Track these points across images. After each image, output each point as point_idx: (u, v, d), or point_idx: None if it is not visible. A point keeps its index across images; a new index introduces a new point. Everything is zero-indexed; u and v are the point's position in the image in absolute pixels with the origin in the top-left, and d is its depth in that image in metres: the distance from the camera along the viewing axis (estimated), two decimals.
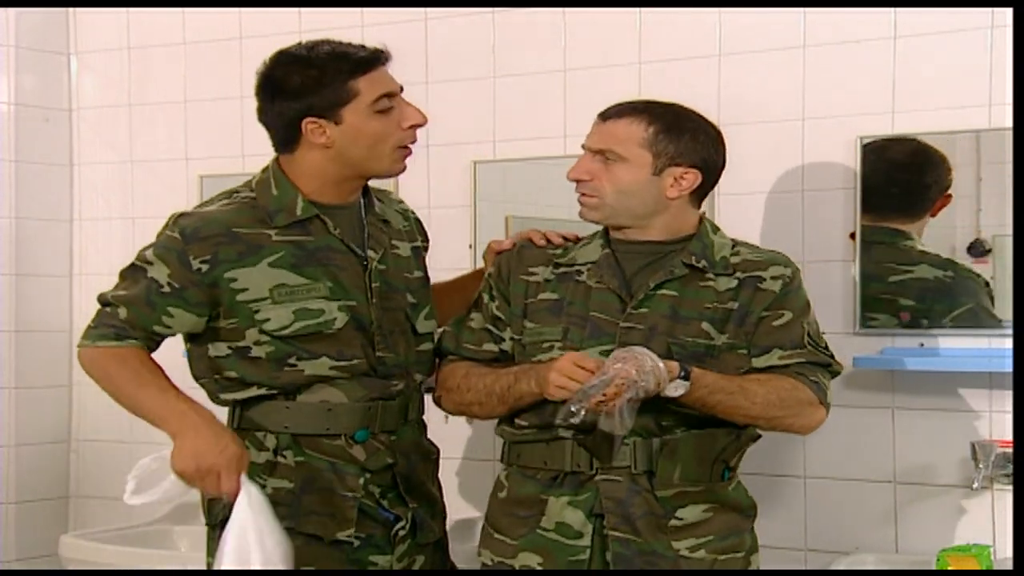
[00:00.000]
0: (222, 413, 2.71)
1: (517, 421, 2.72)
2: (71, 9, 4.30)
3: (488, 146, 3.71)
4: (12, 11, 4.18)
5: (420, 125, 2.73)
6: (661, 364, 2.47)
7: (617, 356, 2.48)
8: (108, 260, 3.38)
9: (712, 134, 2.72)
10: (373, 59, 2.68)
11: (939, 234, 3.23)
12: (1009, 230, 3.08)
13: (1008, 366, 2.95)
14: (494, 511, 2.79)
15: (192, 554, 2.87)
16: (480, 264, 3.02)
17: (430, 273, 2.92)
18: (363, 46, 2.69)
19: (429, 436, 2.90)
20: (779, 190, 3.36)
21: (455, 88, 3.73)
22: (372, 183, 2.82)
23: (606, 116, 2.70)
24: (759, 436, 2.76)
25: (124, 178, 4.26)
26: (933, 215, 3.23)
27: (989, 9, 3.14)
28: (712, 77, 3.42)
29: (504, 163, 3.70)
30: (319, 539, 2.67)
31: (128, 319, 2.65)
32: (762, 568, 2.77)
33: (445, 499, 2.91)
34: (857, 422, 3.25)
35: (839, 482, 3.31)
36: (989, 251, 3.17)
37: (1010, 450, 3.02)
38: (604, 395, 2.43)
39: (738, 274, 2.69)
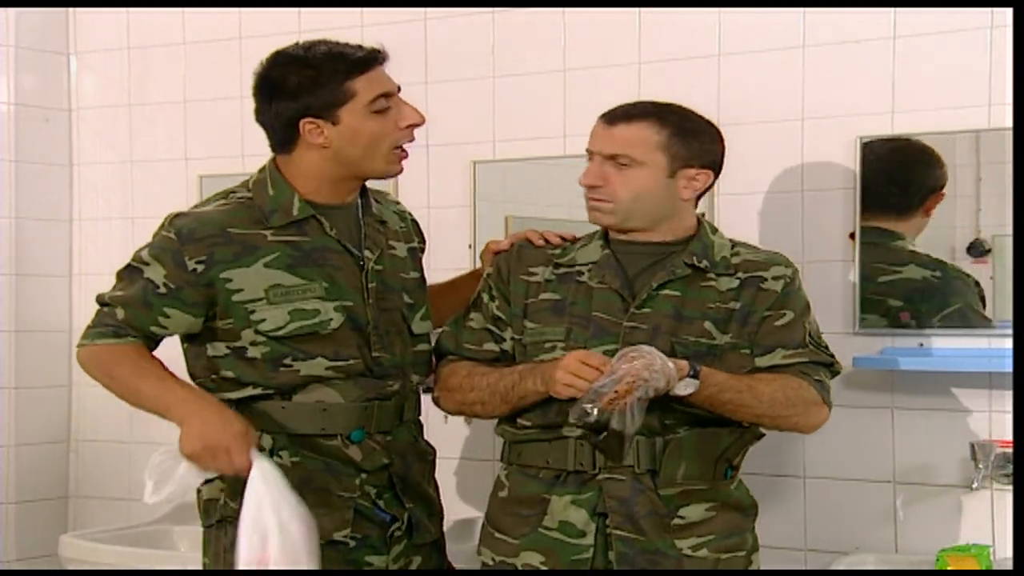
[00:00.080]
0: None
1: (519, 421, 2.73)
2: (71, 9, 4.30)
3: (488, 146, 3.71)
4: (12, 11, 4.18)
5: (417, 125, 2.73)
6: (671, 363, 2.48)
7: (625, 355, 2.47)
8: (108, 260, 3.37)
9: (716, 134, 2.74)
10: (370, 59, 2.67)
11: (939, 234, 3.22)
12: (1009, 230, 3.08)
13: (1007, 366, 2.94)
14: (495, 510, 2.78)
15: (192, 554, 2.87)
16: (479, 264, 3.02)
17: (430, 273, 2.92)
18: (360, 46, 2.69)
19: (428, 436, 2.90)
20: (779, 190, 3.36)
21: (455, 88, 3.73)
22: (370, 184, 2.82)
23: (613, 120, 2.68)
24: (762, 435, 2.76)
25: (124, 178, 4.26)
26: (926, 214, 3.22)
27: (989, 9, 3.14)
28: (712, 77, 3.42)
29: (504, 163, 3.70)
30: None
31: (125, 319, 2.66)
32: (762, 568, 2.77)
33: (444, 499, 2.91)
34: (857, 422, 3.24)
35: (839, 482, 3.31)
36: (989, 251, 3.17)
37: (1010, 450, 3.02)
38: (616, 392, 2.43)
39: (739, 274, 2.70)
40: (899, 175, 3.26)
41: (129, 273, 2.68)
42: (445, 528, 2.92)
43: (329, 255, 2.70)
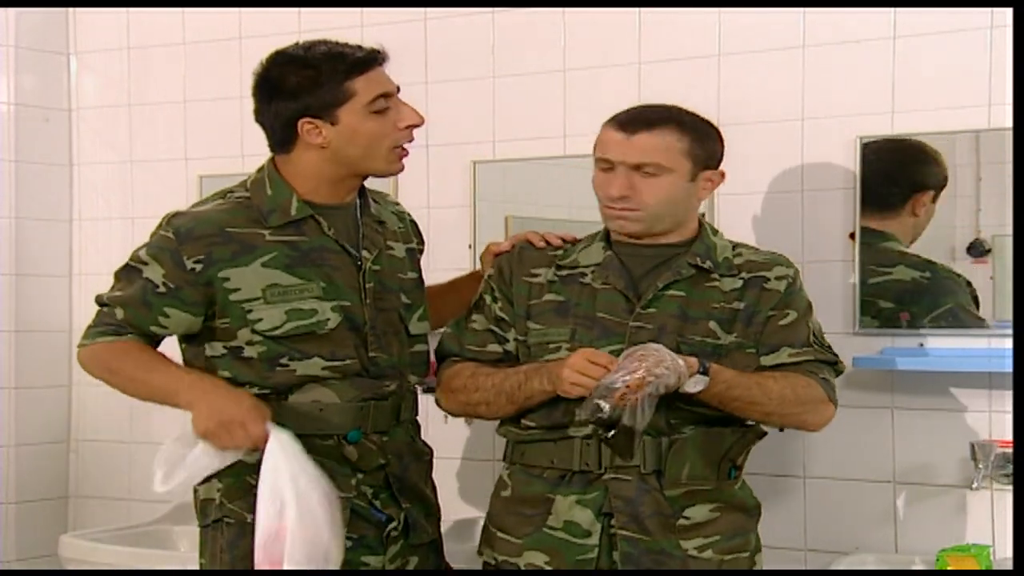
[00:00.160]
0: None
1: (524, 422, 2.73)
2: (71, 9, 4.30)
3: (488, 146, 3.71)
4: (12, 11, 4.17)
5: (416, 125, 2.73)
6: (680, 360, 2.49)
7: (633, 353, 2.48)
8: (108, 260, 3.36)
9: (719, 133, 2.77)
10: (370, 59, 2.67)
11: (939, 234, 3.22)
12: (1009, 230, 3.08)
13: (1007, 366, 2.94)
14: (497, 510, 2.79)
15: (192, 554, 2.86)
16: (479, 265, 3.02)
17: (429, 273, 2.93)
18: (360, 46, 2.69)
19: (428, 436, 2.90)
20: (779, 190, 3.36)
21: (455, 88, 3.73)
22: (369, 184, 2.82)
23: (633, 129, 2.66)
24: (765, 434, 2.77)
25: (124, 178, 4.26)
26: (914, 214, 3.22)
27: (989, 9, 3.14)
28: (712, 77, 3.42)
29: (504, 163, 3.70)
30: None
31: (125, 319, 2.66)
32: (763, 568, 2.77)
33: (444, 500, 2.91)
34: (857, 422, 3.24)
35: (839, 482, 3.31)
36: (989, 251, 3.16)
37: (1010, 450, 3.02)
38: (628, 387, 2.42)
39: (743, 274, 2.72)
40: (893, 174, 3.25)
41: (127, 273, 2.68)
42: (445, 528, 2.92)
43: (327, 255, 2.70)
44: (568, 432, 2.67)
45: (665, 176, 2.66)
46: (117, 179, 4.27)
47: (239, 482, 2.66)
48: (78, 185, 4.32)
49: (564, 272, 2.77)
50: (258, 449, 2.55)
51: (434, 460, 2.90)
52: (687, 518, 2.66)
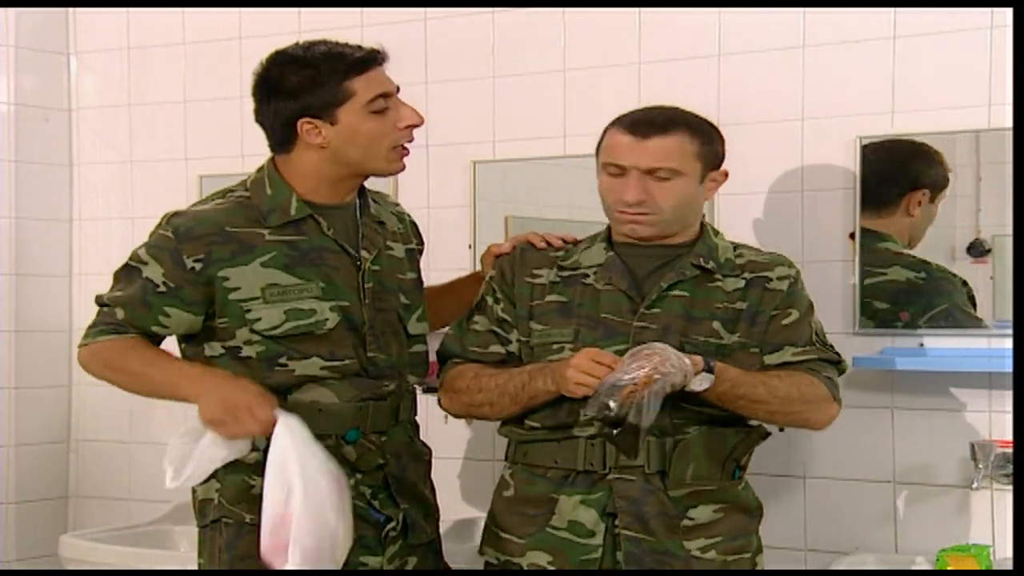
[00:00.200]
0: None
1: (527, 422, 2.73)
2: (71, 9, 4.30)
3: (488, 146, 3.71)
4: (12, 11, 4.17)
5: (416, 125, 2.73)
6: (686, 359, 2.50)
7: (638, 352, 2.48)
8: (108, 260, 3.37)
9: (720, 134, 2.78)
10: (369, 59, 2.67)
11: (939, 234, 3.22)
12: (1009, 230, 3.08)
13: (1007, 366, 2.94)
14: (499, 510, 2.79)
15: (192, 554, 2.86)
16: (479, 265, 3.02)
17: (429, 273, 2.93)
18: (359, 46, 2.69)
19: (428, 437, 2.90)
20: (779, 190, 3.36)
21: (455, 88, 3.73)
22: (369, 184, 2.82)
23: (645, 134, 2.66)
24: (769, 434, 2.77)
25: (124, 178, 4.26)
26: (908, 214, 3.22)
27: (989, 9, 3.14)
28: (712, 77, 3.42)
29: (504, 163, 3.69)
30: None
31: (126, 319, 2.66)
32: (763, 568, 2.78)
33: (444, 500, 2.91)
34: (857, 422, 3.24)
35: (839, 482, 3.31)
36: (989, 251, 3.16)
37: (1009, 450, 3.02)
38: (635, 385, 2.43)
39: (745, 275, 2.73)
40: (892, 175, 3.25)
41: (127, 273, 2.68)
42: (445, 528, 2.92)
43: (326, 255, 2.70)
44: (572, 432, 2.67)
45: (678, 179, 2.67)
46: (117, 179, 4.27)
47: (238, 482, 2.66)
48: (78, 185, 4.32)
49: (566, 273, 2.77)
50: (266, 437, 2.54)
51: (434, 460, 2.90)
52: (691, 519, 2.66)
